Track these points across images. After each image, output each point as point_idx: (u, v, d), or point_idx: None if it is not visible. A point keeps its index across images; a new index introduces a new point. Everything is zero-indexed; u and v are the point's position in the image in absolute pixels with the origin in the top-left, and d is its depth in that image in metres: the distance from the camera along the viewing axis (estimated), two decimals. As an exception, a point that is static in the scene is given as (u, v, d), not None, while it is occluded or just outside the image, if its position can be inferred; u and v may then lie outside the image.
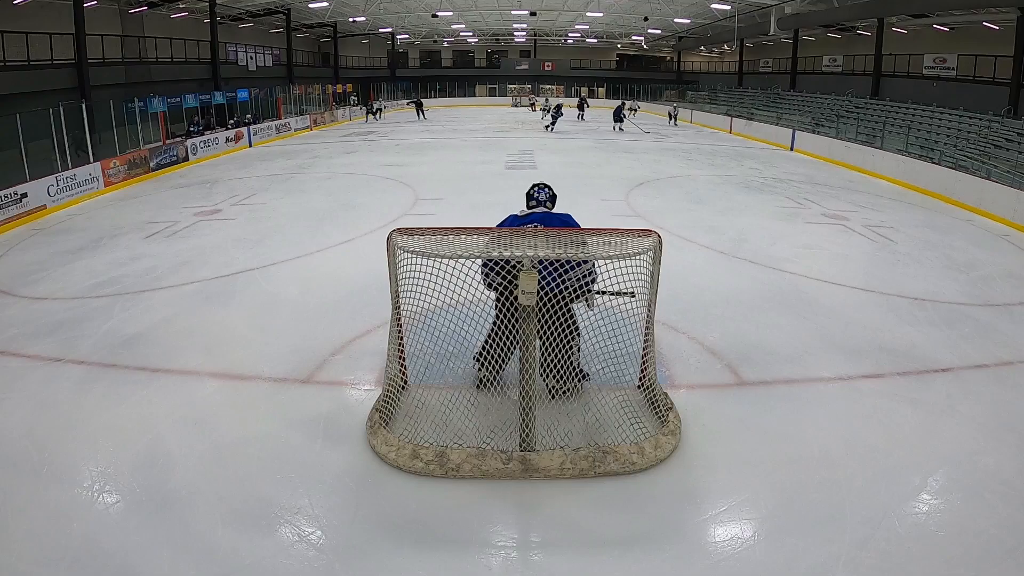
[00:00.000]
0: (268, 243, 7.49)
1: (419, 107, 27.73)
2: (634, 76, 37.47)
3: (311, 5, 24.95)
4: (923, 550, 2.73)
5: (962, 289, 6.07)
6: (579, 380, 3.80)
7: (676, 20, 27.54)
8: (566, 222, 3.82)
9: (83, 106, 12.21)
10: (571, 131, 21.35)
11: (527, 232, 3.33)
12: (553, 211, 4.07)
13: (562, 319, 3.38)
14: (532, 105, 32.09)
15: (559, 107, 22.51)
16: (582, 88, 35.78)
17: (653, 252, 3.38)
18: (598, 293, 3.57)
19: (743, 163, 14.58)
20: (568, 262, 3.33)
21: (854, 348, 4.68)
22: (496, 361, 3.62)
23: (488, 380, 3.74)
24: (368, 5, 27.12)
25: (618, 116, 22.29)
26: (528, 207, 4.08)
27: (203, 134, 16.28)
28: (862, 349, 4.67)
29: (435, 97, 35.67)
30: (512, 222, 3.87)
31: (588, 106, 27.22)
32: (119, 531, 2.83)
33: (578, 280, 3.47)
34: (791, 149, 17.02)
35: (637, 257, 3.31)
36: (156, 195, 11.00)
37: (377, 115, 27.51)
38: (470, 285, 3.23)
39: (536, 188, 4.15)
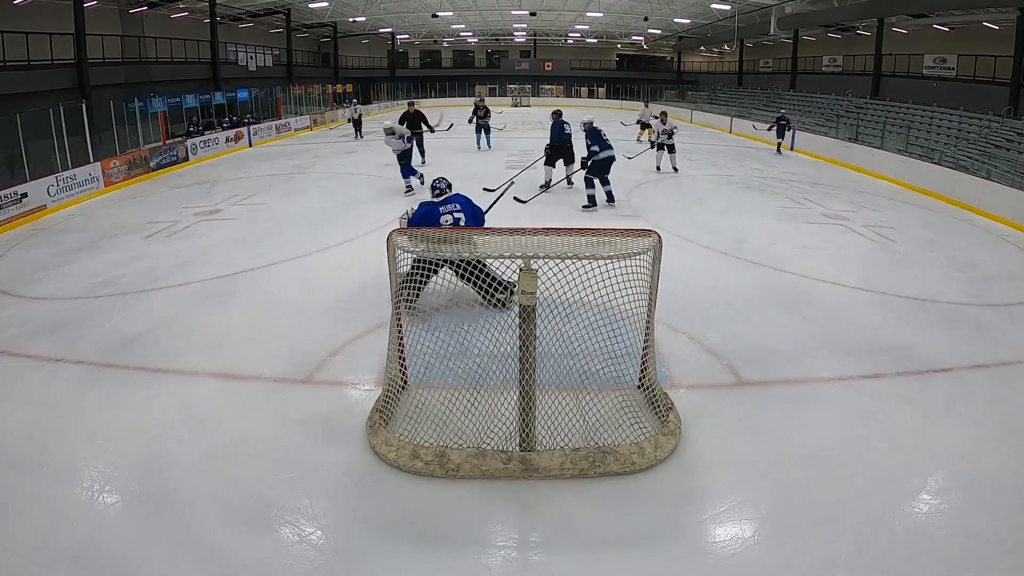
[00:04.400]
0: (268, 243, 7.49)
1: (414, 125, 12.30)
2: (634, 76, 37.46)
3: (311, 5, 24.94)
4: (923, 550, 2.73)
5: (962, 289, 6.06)
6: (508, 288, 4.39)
7: (676, 20, 27.54)
8: (468, 200, 5.26)
9: (83, 106, 12.21)
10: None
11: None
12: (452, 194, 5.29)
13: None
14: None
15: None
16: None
17: (653, 252, 3.39)
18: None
19: (743, 163, 14.56)
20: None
21: (854, 348, 4.68)
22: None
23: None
24: (368, 5, 27.11)
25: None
26: (435, 196, 5.21)
27: (203, 134, 16.27)
28: (862, 349, 4.67)
29: (435, 97, 35.59)
30: (431, 208, 5.10)
31: (791, 128, 16.13)
32: (119, 531, 2.83)
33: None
34: (791, 149, 17.00)
35: (637, 257, 3.32)
36: (156, 195, 10.99)
37: (359, 131, 18.96)
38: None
39: (437, 179, 5.30)
